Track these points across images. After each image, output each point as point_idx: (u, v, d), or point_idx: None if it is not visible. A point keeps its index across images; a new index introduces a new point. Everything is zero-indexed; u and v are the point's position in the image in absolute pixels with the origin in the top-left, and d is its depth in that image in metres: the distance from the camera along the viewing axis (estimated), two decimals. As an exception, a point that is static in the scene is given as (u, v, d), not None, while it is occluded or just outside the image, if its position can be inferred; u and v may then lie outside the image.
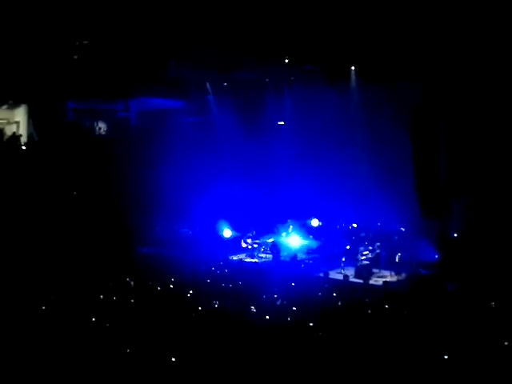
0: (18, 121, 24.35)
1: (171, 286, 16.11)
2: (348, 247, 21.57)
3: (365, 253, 20.90)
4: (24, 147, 23.87)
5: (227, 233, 24.15)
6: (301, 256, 21.97)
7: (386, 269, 20.31)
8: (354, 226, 23.21)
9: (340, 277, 19.57)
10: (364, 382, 9.51)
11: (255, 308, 13.53)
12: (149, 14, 18.18)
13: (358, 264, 20.51)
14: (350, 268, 20.37)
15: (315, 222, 24.22)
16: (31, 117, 24.50)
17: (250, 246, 23.25)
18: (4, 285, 14.67)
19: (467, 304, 14.00)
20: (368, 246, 21.31)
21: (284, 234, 23.54)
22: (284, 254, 22.21)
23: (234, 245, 23.69)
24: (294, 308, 13.65)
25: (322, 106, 24.50)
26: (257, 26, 18.62)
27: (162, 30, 19.24)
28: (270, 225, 24.17)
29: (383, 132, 22.19)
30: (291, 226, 23.64)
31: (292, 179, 24.66)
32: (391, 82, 21.15)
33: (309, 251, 22.22)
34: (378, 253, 20.91)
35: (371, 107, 22.88)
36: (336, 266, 20.71)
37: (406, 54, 19.62)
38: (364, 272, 19.74)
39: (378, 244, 21.14)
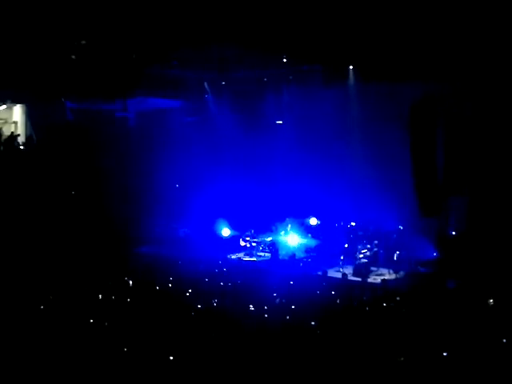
0: (15, 121, 24.32)
1: (170, 285, 16.12)
2: (346, 246, 21.60)
3: (363, 251, 20.94)
4: (22, 147, 23.86)
5: (226, 232, 24.18)
6: (299, 255, 22.00)
7: (384, 267, 20.36)
8: (353, 224, 23.22)
9: (338, 275, 19.57)
10: (363, 379, 9.51)
11: (254, 307, 13.54)
12: (147, 13, 18.16)
13: (357, 262, 20.55)
14: (348, 266, 20.42)
15: (314, 221, 24.24)
16: (29, 117, 24.47)
17: (248, 244, 23.27)
18: (1, 284, 14.68)
19: (466, 302, 14.02)
20: (366, 244, 21.33)
21: (282, 232, 23.56)
22: (282, 252, 22.24)
23: (232, 244, 23.73)
24: (293, 307, 13.67)
25: (320, 106, 24.48)
26: (255, 25, 18.60)
27: (160, 29, 19.22)
28: (269, 224, 24.19)
29: (382, 131, 22.18)
30: (290, 225, 23.66)
31: (290, 178, 24.66)
32: (390, 81, 21.15)
33: (307, 250, 22.24)
34: (376, 251, 20.95)
35: (369, 106, 22.88)
36: (334, 264, 20.77)
37: (405, 52, 19.62)
38: (362, 270, 19.78)
39: (376, 242, 21.18)
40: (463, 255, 18.91)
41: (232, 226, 24.32)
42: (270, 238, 23.37)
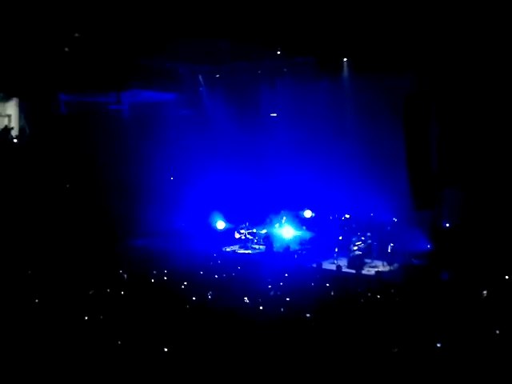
0: (9, 114, 24.23)
1: (164, 278, 16.14)
2: (341, 238, 21.65)
3: (357, 243, 20.99)
4: (15, 140, 23.79)
5: (220, 224, 24.20)
6: (294, 247, 22.06)
7: (378, 259, 20.43)
8: (347, 216, 23.25)
9: (333, 267, 19.67)
10: (358, 371, 9.55)
11: (248, 299, 13.57)
12: (140, 5, 18.10)
13: (351, 254, 20.61)
14: (342, 258, 20.50)
15: (308, 213, 24.27)
16: (23, 110, 24.39)
17: (243, 237, 23.31)
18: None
19: (459, 293, 14.08)
20: (360, 236, 21.39)
21: (277, 225, 23.58)
22: (277, 245, 22.29)
23: (227, 236, 23.76)
24: (288, 299, 13.70)
25: (314, 98, 24.51)
26: (249, 17, 18.56)
27: (154, 21, 19.15)
28: (263, 216, 24.21)
29: (375, 123, 22.20)
30: (284, 217, 23.68)
31: (285, 171, 24.67)
32: (383, 74, 21.15)
33: (302, 242, 22.29)
34: (370, 243, 21.01)
35: (363, 99, 22.89)
36: (329, 256, 20.83)
37: (398, 45, 19.61)
38: (357, 262, 19.85)
39: (369, 234, 21.23)
40: (457, 247, 18.97)
41: (227, 219, 24.35)
42: (264, 231, 23.41)
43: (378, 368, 9.60)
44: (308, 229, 23.10)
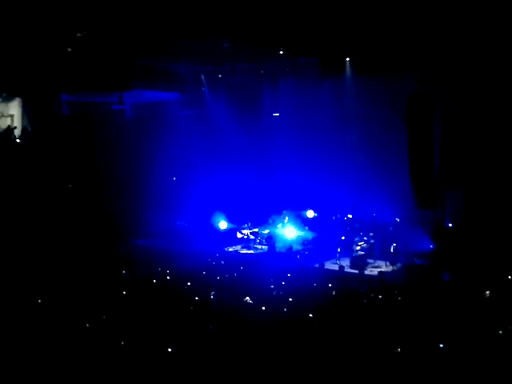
0: (12, 114, 24.27)
1: (167, 278, 16.15)
2: (343, 238, 21.62)
3: (360, 243, 20.97)
4: (18, 140, 23.82)
5: (223, 225, 24.21)
6: (296, 247, 22.03)
7: (381, 259, 20.42)
8: (350, 216, 23.24)
9: (335, 267, 19.67)
10: (360, 371, 9.56)
11: (251, 299, 13.57)
12: (143, 5, 18.12)
13: (354, 255, 20.59)
14: (345, 259, 20.46)
15: (310, 213, 24.26)
16: (25, 110, 24.43)
17: (245, 236, 23.31)
18: None
19: (462, 293, 14.08)
20: (363, 236, 21.38)
21: (279, 225, 23.57)
22: (279, 245, 22.27)
23: (229, 236, 23.76)
24: (291, 299, 13.70)
25: (317, 98, 24.53)
26: (251, 17, 18.57)
27: (157, 21, 19.17)
28: (266, 216, 24.22)
29: (378, 124, 22.21)
30: (287, 218, 23.67)
31: (287, 171, 24.69)
32: (386, 74, 21.16)
33: (304, 242, 22.27)
34: (372, 243, 20.99)
35: (366, 99, 22.88)
36: (331, 256, 20.82)
37: (401, 45, 19.61)
38: (359, 262, 19.82)
39: (372, 234, 21.22)
40: (460, 247, 18.96)
41: (229, 219, 24.35)
42: (267, 231, 23.40)
43: (380, 368, 9.60)
44: (310, 229, 23.08)
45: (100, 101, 25.34)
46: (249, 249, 22.92)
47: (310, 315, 12.12)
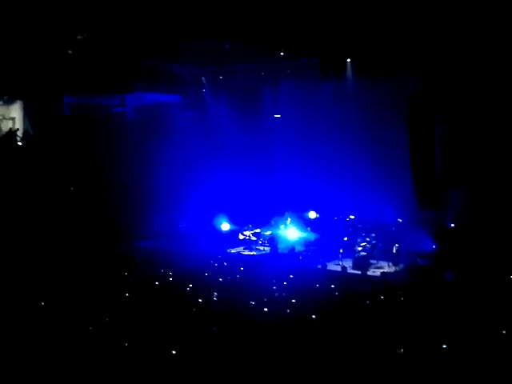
0: (13, 117, 24.29)
1: (169, 280, 16.14)
2: (345, 239, 21.62)
3: (362, 244, 20.96)
4: (20, 143, 23.84)
5: (225, 226, 24.20)
6: (299, 248, 22.02)
7: (383, 260, 20.40)
8: (352, 217, 23.24)
9: (338, 268, 19.63)
10: (363, 372, 9.55)
11: (254, 300, 13.56)
12: (144, 7, 18.15)
13: (356, 255, 20.58)
14: (347, 259, 20.46)
15: (313, 215, 24.27)
16: (27, 113, 24.44)
17: (247, 237, 23.31)
18: (1, 281, 14.69)
19: (465, 294, 14.06)
20: (365, 237, 21.37)
21: (282, 226, 23.57)
22: (282, 246, 22.27)
23: (232, 238, 23.76)
24: (293, 300, 13.69)
25: (318, 99, 24.55)
26: (252, 18, 18.59)
27: (158, 23, 19.20)
28: (268, 217, 24.22)
29: (380, 124, 22.23)
30: (289, 219, 23.68)
31: (289, 172, 24.69)
32: (387, 75, 21.16)
33: (307, 243, 22.26)
34: (375, 244, 20.99)
35: (367, 99, 22.90)
36: (334, 257, 20.81)
37: (403, 45, 19.62)
38: (362, 263, 19.81)
39: (374, 235, 21.21)
40: (462, 247, 18.94)
41: (231, 221, 24.35)
42: (269, 232, 23.39)
43: (383, 369, 9.59)
44: (312, 230, 23.06)
45: (101, 103, 25.36)
46: (251, 250, 22.91)
47: (313, 316, 12.11)
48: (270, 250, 22.36)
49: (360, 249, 20.81)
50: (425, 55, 19.60)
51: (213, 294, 14.23)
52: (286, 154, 25.00)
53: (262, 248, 22.97)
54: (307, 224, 23.61)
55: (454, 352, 10.10)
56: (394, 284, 16.48)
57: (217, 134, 26.18)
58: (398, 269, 19.57)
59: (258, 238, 23.23)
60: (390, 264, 19.94)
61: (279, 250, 22.06)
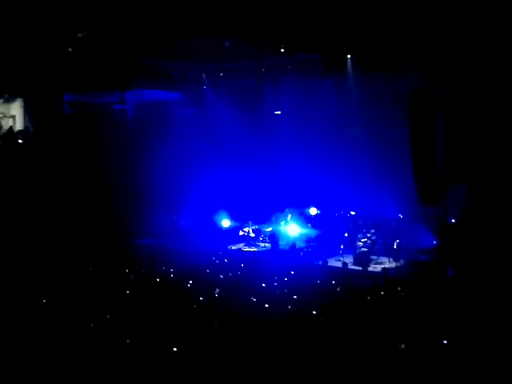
0: (13, 115, 24.29)
1: (171, 277, 16.16)
2: (346, 235, 21.62)
3: (363, 240, 20.96)
4: (20, 141, 23.84)
5: (226, 223, 24.21)
6: (299, 244, 22.02)
7: (384, 255, 20.40)
8: (352, 213, 23.23)
9: (339, 264, 19.67)
10: (365, 367, 9.56)
11: (255, 297, 13.57)
12: (143, 4, 18.12)
13: (357, 251, 20.59)
14: (348, 255, 20.46)
15: (313, 211, 24.27)
16: (27, 111, 24.44)
17: (248, 234, 23.31)
18: (2, 279, 14.71)
19: (466, 289, 14.07)
20: (366, 233, 21.37)
21: (282, 222, 23.58)
22: (283, 242, 22.29)
23: (232, 235, 23.77)
24: (295, 296, 13.70)
25: (319, 95, 24.50)
26: (252, 14, 18.55)
27: (157, 20, 19.17)
28: (269, 214, 24.22)
29: (380, 120, 22.18)
30: (289, 215, 23.68)
31: (289, 168, 24.67)
32: (388, 70, 21.12)
33: (307, 240, 22.25)
34: (375, 240, 20.98)
35: (368, 95, 22.86)
36: (335, 253, 20.81)
37: (404, 40, 19.59)
38: (363, 259, 19.81)
39: (373, 231, 21.20)
40: (463, 243, 18.92)
41: (232, 217, 24.35)
42: (269, 229, 23.41)
43: (384, 364, 9.60)
44: (313, 226, 23.06)
45: (102, 101, 25.35)
46: (252, 247, 22.92)
47: (314, 312, 12.12)
48: (271, 246, 22.38)
49: (361, 245, 20.81)
50: (426, 51, 19.55)
51: (214, 290, 14.25)
52: (286, 150, 24.97)
53: (262, 244, 22.98)
54: (308, 220, 23.60)
55: (455, 347, 10.11)
56: (394, 280, 16.52)
57: (217, 131, 26.17)
58: (398, 264, 19.55)
59: (259, 235, 23.24)
60: (391, 260, 19.93)
61: (280, 247, 22.08)
